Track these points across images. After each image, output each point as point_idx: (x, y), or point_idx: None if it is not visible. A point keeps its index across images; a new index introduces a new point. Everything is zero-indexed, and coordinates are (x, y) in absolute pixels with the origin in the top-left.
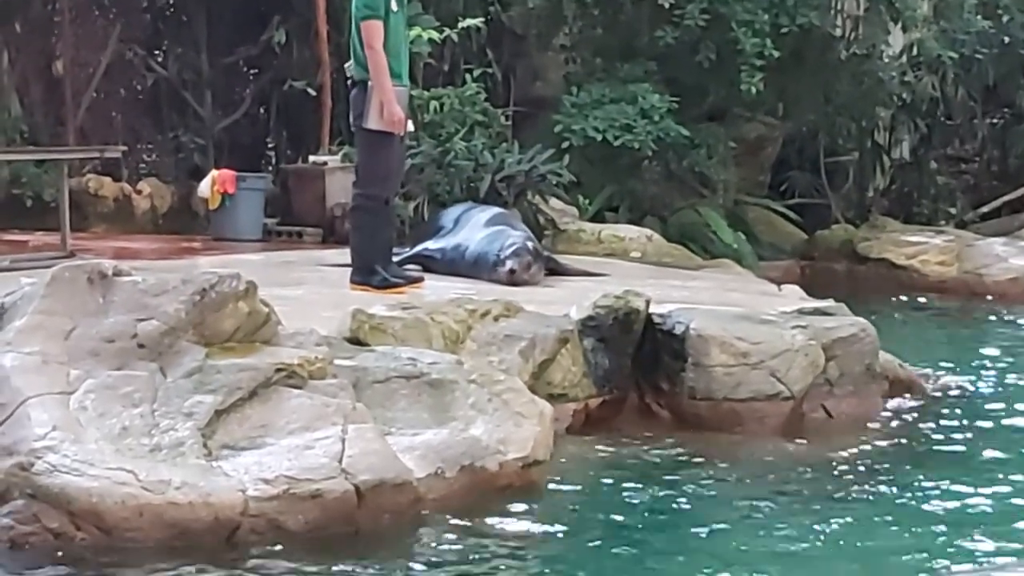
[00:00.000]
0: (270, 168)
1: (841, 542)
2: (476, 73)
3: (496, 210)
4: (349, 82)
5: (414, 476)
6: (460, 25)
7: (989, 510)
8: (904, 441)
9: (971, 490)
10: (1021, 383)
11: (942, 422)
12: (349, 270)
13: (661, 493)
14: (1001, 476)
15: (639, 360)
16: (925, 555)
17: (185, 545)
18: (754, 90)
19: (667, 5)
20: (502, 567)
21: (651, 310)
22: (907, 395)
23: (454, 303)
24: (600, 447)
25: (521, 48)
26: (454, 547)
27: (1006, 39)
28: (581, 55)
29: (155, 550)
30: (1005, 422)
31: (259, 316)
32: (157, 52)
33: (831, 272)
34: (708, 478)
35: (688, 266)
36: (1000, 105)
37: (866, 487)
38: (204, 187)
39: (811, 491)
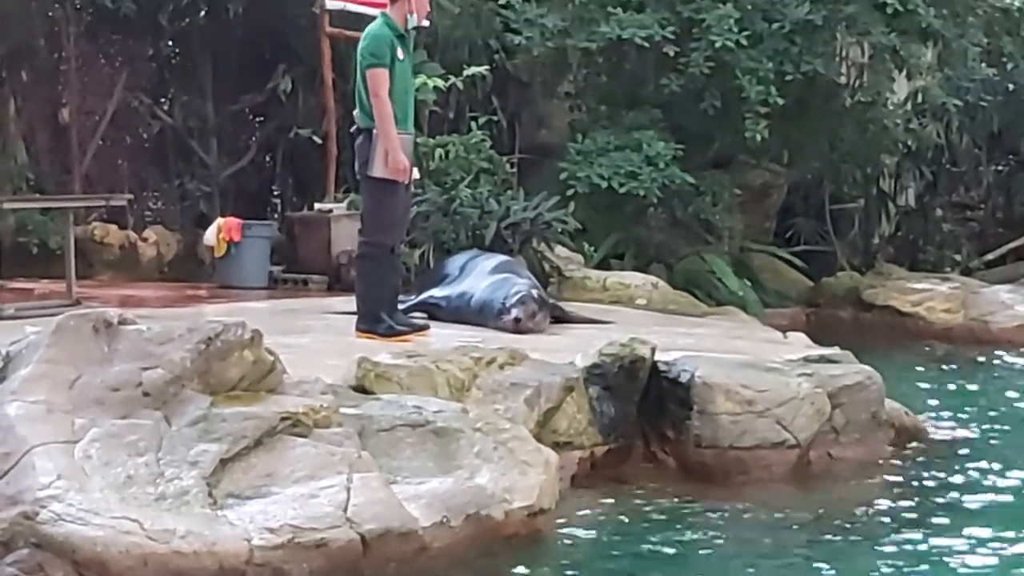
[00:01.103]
0: (276, 216)
1: None
2: (481, 121)
3: (501, 258)
4: (354, 130)
5: (419, 525)
6: (465, 73)
7: (994, 560)
8: (909, 489)
9: (977, 540)
10: None
11: (948, 471)
12: (355, 318)
13: (667, 542)
14: (1006, 526)
15: (644, 408)
16: None
17: None
18: (759, 137)
19: (672, 53)
20: None
21: (657, 358)
22: (913, 443)
23: (459, 351)
24: (606, 495)
25: (526, 96)
26: None
27: (1010, 86)
28: (586, 103)
29: None
30: (1011, 471)
31: (264, 365)
32: (163, 100)
33: (837, 319)
34: (714, 528)
35: (694, 313)
36: (1005, 152)
37: (872, 537)
38: (210, 235)
39: (816, 541)
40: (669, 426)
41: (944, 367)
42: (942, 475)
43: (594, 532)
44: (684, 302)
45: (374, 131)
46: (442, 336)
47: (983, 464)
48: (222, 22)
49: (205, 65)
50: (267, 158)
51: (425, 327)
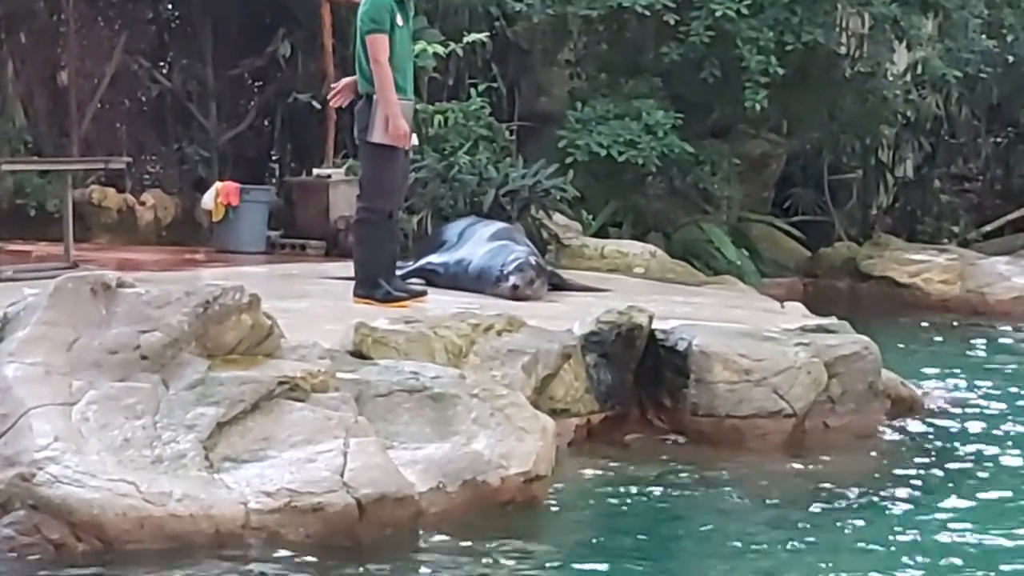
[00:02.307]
0: (274, 180)
1: (842, 562)
2: (481, 87)
3: (500, 225)
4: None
5: (416, 490)
6: (465, 39)
7: (989, 531)
8: (905, 460)
9: (972, 511)
10: (1023, 402)
11: (943, 441)
12: (352, 283)
13: (662, 510)
14: (1002, 496)
15: (641, 376)
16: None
17: (186, 557)
18: (758, 107)
19: (672, 22)
20: None
21: (654, 326)
22: (909, 413)
23: (457, 317)
24: (602, 463)
25: (526, 63)
26: (455, 562)
27: (1010, 58)
28: (586, 70)
29: (156, 562)
30: (1006, 441)
31: (262, 329)
32: (162, 63)
33: (834, 290)
34: (710, 496)
35: (691, 282)
36: (1004, 124)
37: (867, 506)
38: (208, 199)
39: (811, 510)
40: (666, 394)
41: (941, 338)
42: (937, 445)
43: (590, 499)
44: (682, 271)
45: (374, 97)
46: (440, 302)
47: (978, 434)
48: None
49: (205, 29)
50: (266, 123)
51: (423, 293)
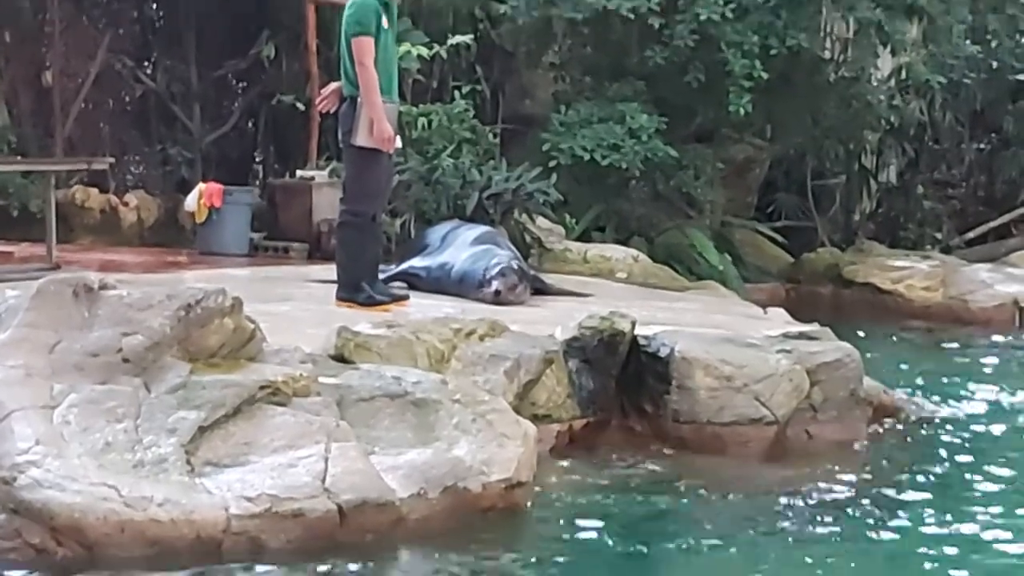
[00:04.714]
0: (257, 182)
1: (821, 570)
2: (465, 90)
3: (483, 228)
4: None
5: (397, 496)
6: (449, 42)
7: (969, 539)
8: (887, 467)
9: (952, 518)
10: (1005, 410)
11: (925, 448)
12: (335, 286)
13: (643, 517)
14: (983, 504)
15: (623, 382)
16: None
17: (167, 562)
18: (742, 111)
19: (657, 25)
20: None
21: (636, 332)
22: (891, 421)
23: (439, 322)
24: (584, 469)
25: (510, 66)
26: (435, 569)
27: (994, 64)
28: (570, 74)
29: (136, 566)
30: (988, 449)
31: (244, 332)
32: (146, 64)
33: (816, 296)
34: (690, 503)
35: (674, 287)
36: (987, 130)
37: (848, 514)
38: (191, 200)
39: (791, 517)
40: (648, 400)
41: (923, 345)
42: (919, 453)
43: (571, 506)
44: (664, 276)
45: (358, 99)
46: (422, 306)
47: (959, 442)
48: None
49: (189, 29)
50: (250, 124)
51: (405, 297)
